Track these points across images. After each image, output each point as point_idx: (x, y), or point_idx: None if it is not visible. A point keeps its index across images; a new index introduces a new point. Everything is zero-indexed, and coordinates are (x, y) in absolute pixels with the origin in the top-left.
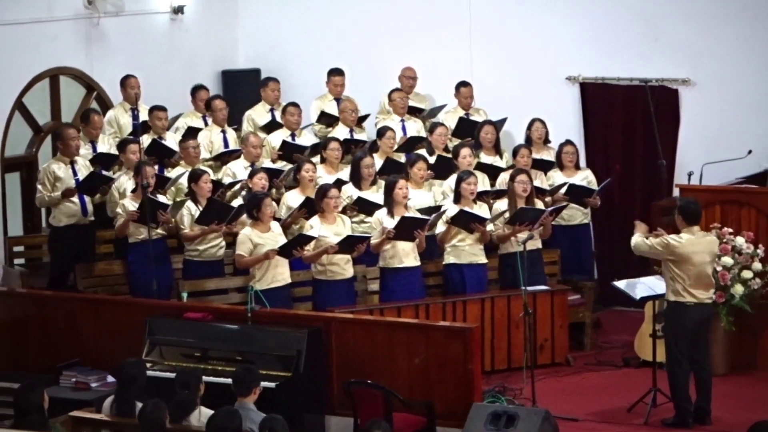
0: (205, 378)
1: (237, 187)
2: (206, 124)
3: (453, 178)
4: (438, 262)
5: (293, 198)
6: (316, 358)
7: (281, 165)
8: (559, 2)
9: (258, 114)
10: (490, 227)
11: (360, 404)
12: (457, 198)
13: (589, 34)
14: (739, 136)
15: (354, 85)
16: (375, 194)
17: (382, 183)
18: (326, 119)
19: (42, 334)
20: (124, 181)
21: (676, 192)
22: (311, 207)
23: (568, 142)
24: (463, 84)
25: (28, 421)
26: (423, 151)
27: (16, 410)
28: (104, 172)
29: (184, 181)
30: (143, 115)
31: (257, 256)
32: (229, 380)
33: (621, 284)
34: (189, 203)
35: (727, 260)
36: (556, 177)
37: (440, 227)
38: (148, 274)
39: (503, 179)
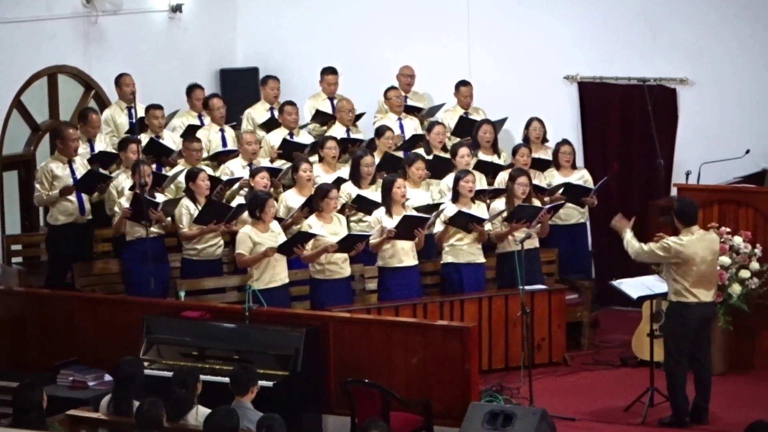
0: (202, 377)
1: (236, 186)
2: (202, 123)
3: (450, 177)
4: (436, 262)
5: (291, 197)
6: (313, 357)
7: (280, 164)
8: (557, 2)
9: (257, 113)
10: (487, 226)
11: (357, 403)
12: (455, 197)
13: (587, 33)
14: (737, 136)
15: (353, 85)
16: (374, 193)
17: (380, 182)
18: (321, 118)
19: (40, 333)
20: (123, 180)
21: (674, 191)
22: (310, 206)
23: (565, 142)
24: (463, 83)
25: (27, 419)
26: (421, 150)
27: (14, 409)
28: (102, 171)
29: (182, 179)
30: (139, 114)
31: (257, 254)
32: (227, 379)
33: (618, 284)
34: (188, 202)
35: (725, 260)
36: (553, 176)
37: (438, 227)
38: (144, 272)
39: (502, 178)
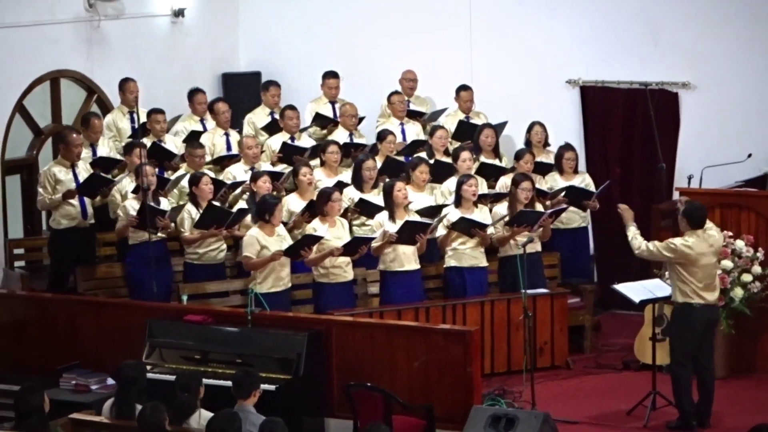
0: (205, 380)
1: (239, 190)
2: (204, 127)
3: (451, 181)
4: (438, 265)
5: (293, 201)
6: (316, 361)
7: (282, 168)
8: (559, 5)
9: (258, 117)
10: (490, 230)
11: (360, 407)
12: (458, 201)
13: (589, 37)
14: (739, 140)
15: (354, 88)
16: (376, 197)
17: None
18: (321, 121)
19: (42, 337)
20: (126, 184)
21: (675, 195)
22: (312, 210)
23: (569, 147)
24: (464, 88)
25: (28, 423)
26: (423, 155)
27: (16, 413)
28: (104, 175)
29: (185, 183)
30: (141, 119)
31: (265, 257)
32: (229, 383)
33: (621, 287)
34: (190, 207)
35: (727, 263)
36: (555, 180)
37: (440, 231)
38: (147, 276)
39: (503, 182)
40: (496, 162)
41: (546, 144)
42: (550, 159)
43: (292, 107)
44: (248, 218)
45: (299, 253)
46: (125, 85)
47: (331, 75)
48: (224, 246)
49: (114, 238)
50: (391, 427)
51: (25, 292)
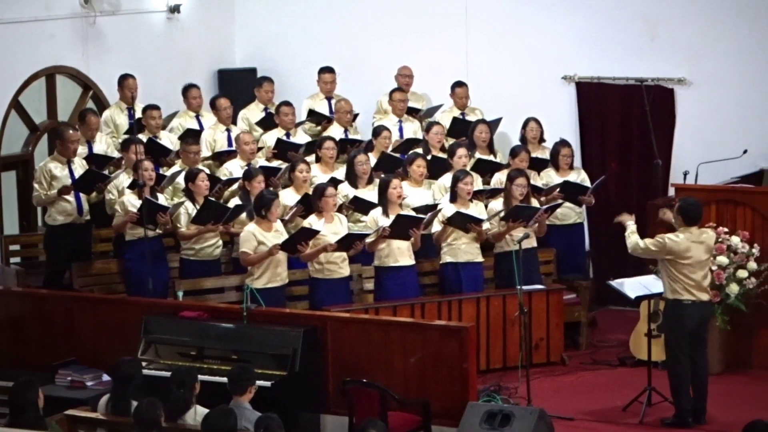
0: (200, 377)
1: (235, 186)
2: (199, 123)
3: (447, 177)
4: (434, 261)
5: (288, 197)
6: (311, 357)
7: (278, 164)
8: (556, 2)
9: (252, 113)
10: (485, 226)
11: (355, 403)
12: (454, 197)
13: (585, 33)
14: (735, 136)
15: (351, 85)
16: (371, 192)
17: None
18: (315, 117)
19: (38, 333)
20: (123, 180)
21: (671, 191)
22: (308, 205)
23: (565, 144)
24: (459, 84)
25: (24, 419)
26: (420, 151)
27: (11, 408)
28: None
29: (181, 180)
30: (138, 115)
31: (262, 253)
32: (225, 379)
33: (616, 283)
34: (187, 202)
35: (723, 260)
36: (551, 176)
37: (436, 226)
38: (144, 272)
39: (498, 178)
40: (491, 158)
41: (541, 140)
42: (545, 155)
43: (287, 103)
44: (243, 215)
45: (296, 248)
46: (124, 81)
47: (326, 70)
48: (220, 242)
49: (110, 234)
50: (387, 423)
51: (21, 289)
